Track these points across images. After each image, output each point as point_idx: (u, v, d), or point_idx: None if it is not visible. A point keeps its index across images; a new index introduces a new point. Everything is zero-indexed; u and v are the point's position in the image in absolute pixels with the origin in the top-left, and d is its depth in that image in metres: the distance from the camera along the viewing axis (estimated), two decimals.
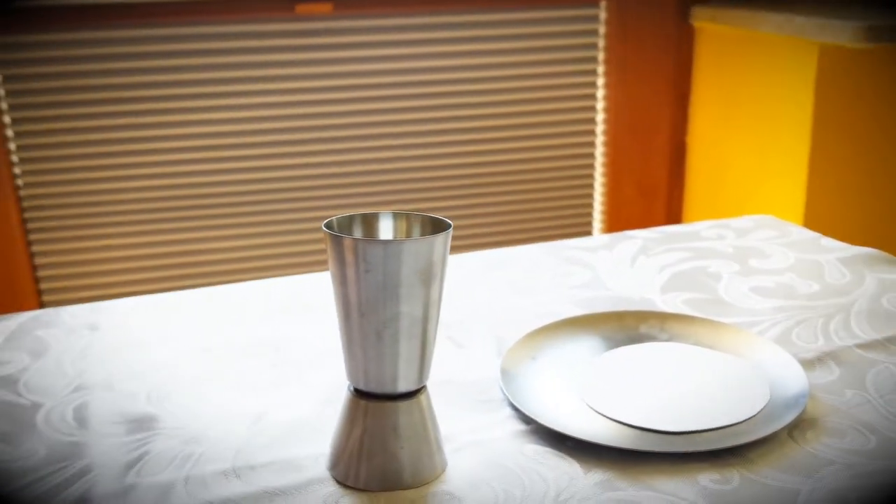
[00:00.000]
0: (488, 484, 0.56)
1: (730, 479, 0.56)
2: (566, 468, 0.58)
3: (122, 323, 0.82)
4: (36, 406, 0.67)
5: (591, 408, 0.65)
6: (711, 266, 0.93)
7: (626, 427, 0.63)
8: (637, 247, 0.99)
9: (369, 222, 0.58)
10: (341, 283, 0.54)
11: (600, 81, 1.86)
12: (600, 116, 1.88)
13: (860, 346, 0.73)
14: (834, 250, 0.96)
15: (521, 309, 0.83)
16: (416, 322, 0.55)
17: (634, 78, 1.85)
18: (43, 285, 1.74)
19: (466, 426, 0.63)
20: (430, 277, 0.54)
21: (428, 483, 0.57)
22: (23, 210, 1.69)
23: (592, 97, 1.86)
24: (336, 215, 0.60)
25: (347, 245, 0.52)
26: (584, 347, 0.74)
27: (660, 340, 0.75)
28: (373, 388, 0.56)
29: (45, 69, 1.62)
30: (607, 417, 0.64)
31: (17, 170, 1.66)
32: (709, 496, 0.54)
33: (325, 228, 0.54)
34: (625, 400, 0.66)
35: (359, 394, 0.57)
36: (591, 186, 1.93)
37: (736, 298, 0.84)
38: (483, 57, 1.78)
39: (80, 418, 0.65)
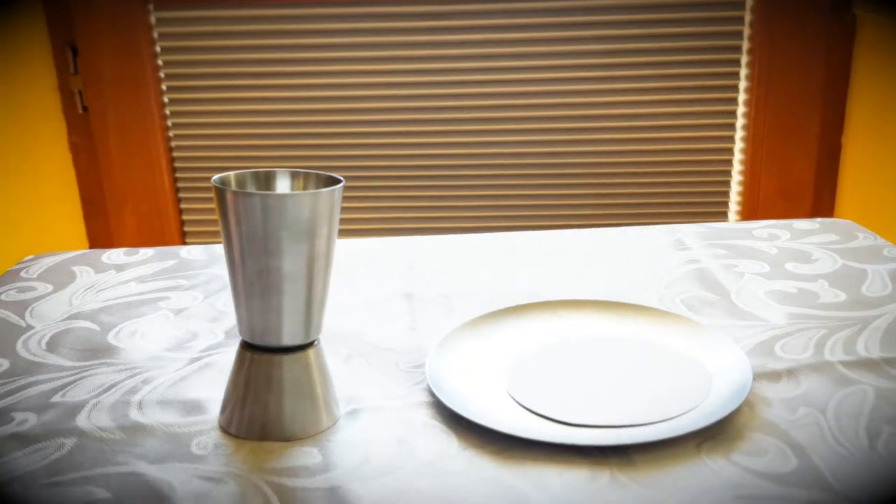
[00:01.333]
0: (364, 446, 0.56)
1: (598, 477, 0.52)
2: (443, 442, 0.56)
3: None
4: (27, 329, 0.76)
5: (512, 397, 0.62)
6: (739, 266, 0.85)
7: (528, 414, 0.60)
8: (671, 240, 0.93)
9: (267, 179, 0.60)
10: (224, 235, 0.56)
11: (743, 73, 1.73)
12: (741, 110, 1.75)
13: (848, 363, 0.65)
14: (893, 261, 0.85)
15: (511, 292, 0.81)
16: (294, 278, 0.56)
17: (781, 74, 1.71)
18: (188, 240, 1.92)
19: (379, 392, 0.63)
20: (304, 233, 0.55)
21: (303, 438, 0.58)
22: (174, 170, 1.87)
23: (734, 89, 1.74)
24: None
25: (228, 198, 0.55)
26: (528, 333, 0.72)
27: (609, 334, 0.71)
28: (256, 340, 0.58)
29: (197, 43, 1.77)
30: (518, 403, 0.61)
31: (170, 133, 1.84)
32: (567, 489, 0.51)
33: (213, 182, 0.56)
34: (541, 391, 0.63)
35: (245, 345, 0.59)
36: (727, 185, 1.81)
37: (744, 301, 0.77)
38: (622, 42, 1.72)
39: (52, 344, 0.73)
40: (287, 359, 0.58)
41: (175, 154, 1.86)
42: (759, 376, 0.64)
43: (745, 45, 1.72)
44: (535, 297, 0.79)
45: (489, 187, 1.85)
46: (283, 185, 0.60)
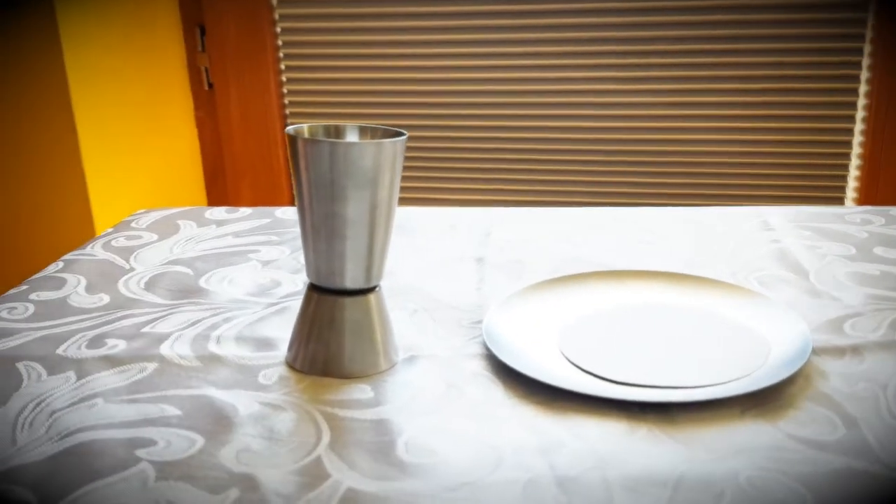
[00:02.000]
0: (415, 387, 0.59)
1: (635, 430, 0.53)
2: (490, 390, 0.58)
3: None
4: (130, 271, 0.83)
5: (563, 355, 0.64)
6: (823, 247, 0.83)
7: (576, 370, 0.61)
8: (757, 221, 0.91)
9: (337, 131, 0.63)
10: (296, 183, 0.60)
11: (865, 63, 1.65)
12: (861, 102, 1.67)
13: None
14: None
15: (583, 262, 0.82)
16: (357, 223, 0.59)
17: None
18: None
19: (437, 343, 0.66)
20: (367, 181, 0.58)
21: (360, 378, 0.61)
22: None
23: (855, 79, 1.66)
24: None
25: (299, 145, 0.58)
26: (589, 298, 0.73)
27: (670, 302, 0.71)
28: (321, 282, 0.62)
29: (315, 24, 1.85)
30: (571, 362, 0.62)
31: (287, 111, 1.92)
32: (604, 438, 0.52)
33: (287, 131, 0.60)
34: (592, 350, 0.64)
35: (311, 287, 0.63)
36: (843, 178, 1.73)
37: (823, 280, 0.75)
38: (739, 27, 1.68)
39: (150, 284, 0.79)
40: (349, 301, 0.62)
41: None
42: (821, 351, 0.62)
43: (869, 34, 1.65)
44: (606, 268, 0.80)
45: (592, 163, 1.84)
46: (352, 137, 0.63)
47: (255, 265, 0.83)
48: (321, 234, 0.60)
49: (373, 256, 0.61)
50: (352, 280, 0.61)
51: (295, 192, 0.61)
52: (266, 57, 1.88)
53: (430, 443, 0.52)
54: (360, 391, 0.59)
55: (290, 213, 1.00)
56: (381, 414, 0.56)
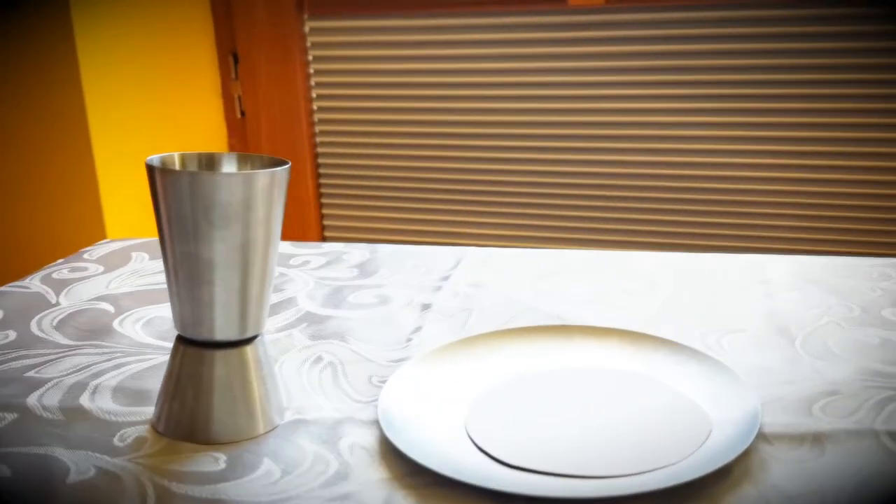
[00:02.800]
0: (280, 460, 0.51)
1: None
2: (365, 472, 0.50)
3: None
4: (54, 306, 0.77)
5: (467, 431, 0.54)
6: (821, 306, 0.71)
7: (479, 453, 0.52)
8: (754, 272, 0.79)
9: (212, 162, 0.56)
10: (157, 219, 0.53)
11: None
12: None
13: None
14: None
15: (538, 312, 0.72)
16: (225, 266, 0.52)
17: None
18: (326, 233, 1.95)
19: (335, 404, 0.58)
20: (235, 218, 0.51)
21: (229, 443, 0.53)
22: (318, 176, 1.91)
23: None
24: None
25: (156, 176, 0.51)
26: (513, 362, 0.63)
27: (611, 367, 0.61)
28: (186, 332, 0.54)
29: (346, 52, 1.80)
30: (473, 441, 0.53)
31: (317, 139, 1.88)
32: None
33: (147, 161, 0.53)
34: (504, 429, 0.54)
35: (178, 338, 0.56)
36: None
37: (808, 348, 0.63)
38: (772, 57, 1.55)
39: (62, 323, 0.74)
40: (219, 355, 0.54)
41: (320, 161, 1.91)
42: (776, 438, 0.51)
43: None
44: (563, 321, 0.70)
45: (641, 200, 1.73)
46: (229, 167, 0.56)
47: None
48: (182, 279, 0.53)
49: (247, 303, 0.53)
50: (221, 331, 0.54)
51: (157, 230, 0.54)
52: (296, 84, 1.85)
53: None
54: (213, 462, 0.51)
55: (285, 247, 0.93)
56: (219, 493, 0.48)
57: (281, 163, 0.54)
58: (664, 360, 0.61)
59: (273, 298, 0.78)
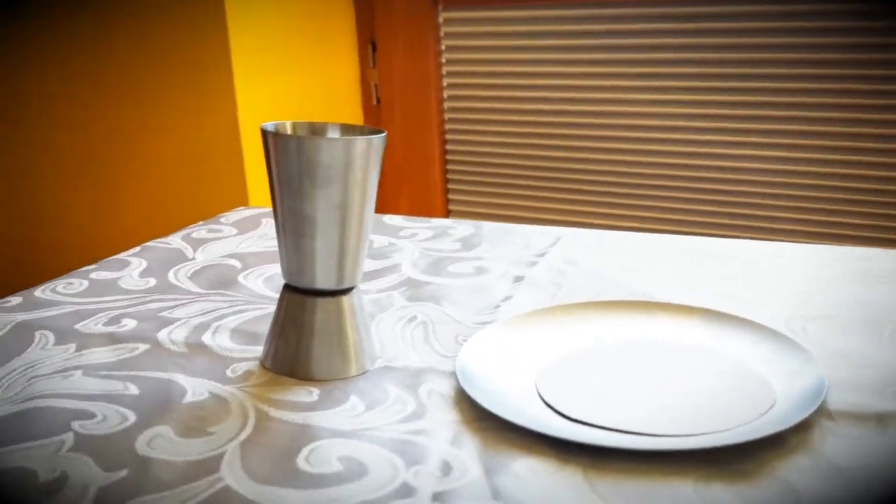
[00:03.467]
0: (365, 398, 0.57)
1: (562, 469, 0.47)
2: (442, 412, 0.54)
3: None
4: (191, 260, 0.87)
5: (537, 389, 0.58)
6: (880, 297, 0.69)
7: (547, 409, 0.56)
8: (858, 264, 0.78)
9: (320, 130, 0.62)
10: (269, 178, 0.60)
11: None
12: None
13: None
14: None
15: (624, 291, 0.75)
16: (325, 222, 0.58)
17: None
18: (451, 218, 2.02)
19: (420, 356, 0.63)
20: (334, 179, 0.57)
21: (321, 381, 0.59)
22: (446, 163, 1.98)
23: None
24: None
25: (269, 140, 0.58)
26: (595, 331, 0.66)
27: (682, 341, 0.63)
28: (292, 281, 0.61)
29: (478, 42, 1.86)
30: (543, 399, 0.57)
31: (446, 126, 1.95)
32: (533, 474, 0.46)
33: (262, 126, 0.60)
34: (574, 390, 0.58)
35: (285, 286, 0.62)
36: None
37: (894, 337, 0.63)
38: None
39: (196, 275, 0.83)
40: (319, 302, 0.60)
41: (448, 147, 1.97)
42: (838, 414, 0.52)
43: None
44: (646, 298, 0.72)
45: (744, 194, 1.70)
46: (332, 135, 0.62)
47: None
48: (289, 232, 0.59)
49: (343, 257, 0.59)
50: (321, 280, 0.60)
51: (269, 190, 0.61)
52: (429, 73, 1.92)
53: (335, 456, 0.49)
54: (307, 394, 0.57)
55: (397, 220, 1.00)
56: (310, 419, 0.54)
57: (378, 132, 0.60)
58: (740, 339, 0.63)
59: (378, 264, 0.84)
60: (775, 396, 0.55)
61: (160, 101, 1.67)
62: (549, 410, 0.54)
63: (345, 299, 0.61)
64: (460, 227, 0.96)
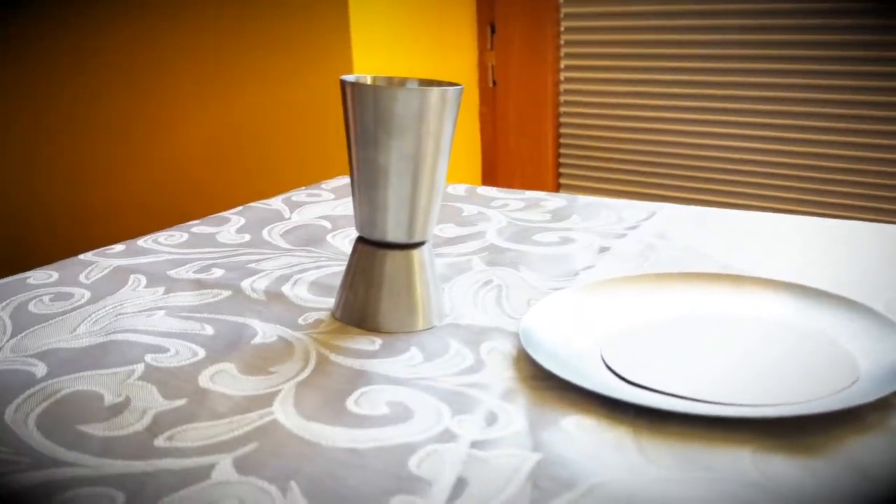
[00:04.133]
0: (425, 351, 0.56)
1: (614, 428, 0.45)
2: (503, 369, 0.54)
3: None
4: (285, 220, 0.89)
5: (604, 360, 0.56)
6: None
7: (605, 369, 0.54)
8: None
9: (395, 83, 0.62)
10: (346, 130, 0.60)
11: None
12: None
13: None
14: None
15: (714, 264, 0.71)
16: (397, 173, 0.58)
17: None
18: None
19: (490, 316, 0.62)
20: (407, 130, 0.57)
21: (390, 333, 0.60)
22: (559, 146, 1.95)
23: None
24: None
25: (347, 90, 0.58)
26: (647, 303, 0.63)
27: (731, 310, 0.59)
28: (364, 233, 0.61)
29: (597, 23, 1.82)
30: (604, 362, 0.55)
31: (561, 109, 1.92)
32: (581, 431, 0.45)
33: (342, 77, 0.60)
34: (634, 356, 0.56)
35: (358, 238, 0.63)
36: None
37: None
38: None
39: (287, 233, 0.85)
40: (389, 254, 0.61)
41: (562, 131, 1.95)
42: None
43: None
44: (730, 271, 0.69)
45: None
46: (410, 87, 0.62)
47: None
48: (362, 184, 0.60)
49: (415, 210, 0.59)
50: (392, 233, 0.60)
51: (346, 139, 0.61)
52: (547, 58, 1.90)
53: (385, 401, 0.50)
54: (369, 343, 0.58)
55: (491, 191, 1.00)
56: (367, 366, 0.54)
57: (454, 86, 0.60)
58: (832, 315, 0.59)
59: (463, 231, 0.84)
60: (859, 373, 0.51)
61: (279, 78, 1.73)
62: (609, 374, 0.53)
63: (415, 253, 0.61)
64: (553, 200, 0.95)
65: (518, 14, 1.93)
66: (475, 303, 0.65)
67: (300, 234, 0.84)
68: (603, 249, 0.77)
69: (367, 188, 0.60)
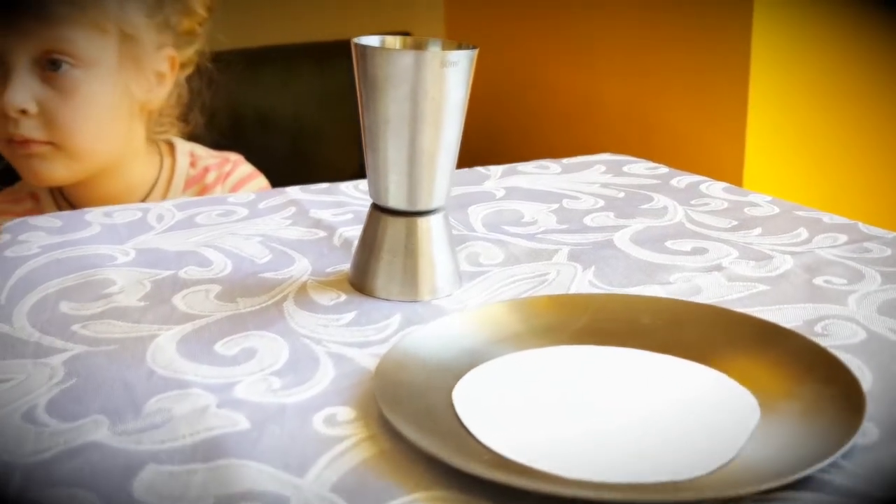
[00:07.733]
0: (409, 317, 0.56)
1: None
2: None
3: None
4: None
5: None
6: None
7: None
8: None
9: (420, 45, 0.59)
10: (357, 90, 0.59)
11: None
12: None
13: None
14: None
15: None
16: (397, 135, 0.56)
17: None
18: None
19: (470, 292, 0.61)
20: (408, 91, 0.55)
21: (384, 299, 0.59)
22: None
23: None
24: None
25: (354, 50, 0.57)
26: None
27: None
28: (371, 196, 0.60)
29: None
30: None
31: None
32: None
33: (354, 40, 0.58)
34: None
35: (372, 205, 0.62)
36: None
37: None
38: None
39: None
40: (390, 221, 0.59)
41: None
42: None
43: None
44: None
45: None
46: (432, 48, 0.59)
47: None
48: (368, 148, 0.59)
49: (416, 178, 0.58)
50: (393, 199, 0.59)
51: (358, 104, 0.60)
52: None
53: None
54: (334, 298, 0.60)
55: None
56: (331, 322, 0.55)
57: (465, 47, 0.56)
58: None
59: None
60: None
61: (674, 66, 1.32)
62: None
63: (420, 221, 0.59)
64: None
65: None
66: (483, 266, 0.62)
67: None
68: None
69: (370, 151, 0.59)
